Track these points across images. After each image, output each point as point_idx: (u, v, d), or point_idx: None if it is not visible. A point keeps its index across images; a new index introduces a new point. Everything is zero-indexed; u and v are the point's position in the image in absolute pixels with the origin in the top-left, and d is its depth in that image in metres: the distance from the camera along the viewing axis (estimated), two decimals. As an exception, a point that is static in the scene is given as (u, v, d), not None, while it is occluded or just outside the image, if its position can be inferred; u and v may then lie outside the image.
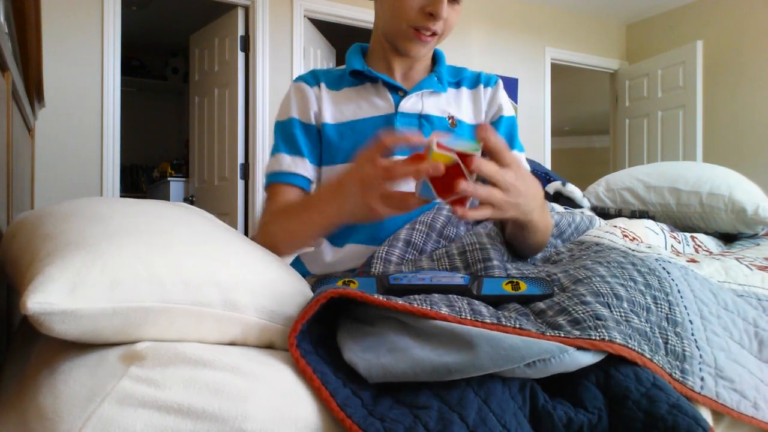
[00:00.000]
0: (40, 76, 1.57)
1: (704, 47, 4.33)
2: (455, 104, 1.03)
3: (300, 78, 1.05)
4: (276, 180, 0.98)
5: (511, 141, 1.06)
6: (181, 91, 5.64)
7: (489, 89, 1.07)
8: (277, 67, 3.53)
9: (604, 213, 1.75)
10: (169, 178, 4.49)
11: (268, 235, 0.88)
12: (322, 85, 1.03)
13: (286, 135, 1.00)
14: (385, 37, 1.00)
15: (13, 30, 1.13)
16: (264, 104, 3.49)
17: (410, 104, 0.99)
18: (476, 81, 1.07)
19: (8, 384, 0.51)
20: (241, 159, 3.52)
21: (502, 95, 1.07)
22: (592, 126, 8.04)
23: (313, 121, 1.01)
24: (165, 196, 4.47)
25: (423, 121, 0.99)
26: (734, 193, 1.48)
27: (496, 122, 1.05)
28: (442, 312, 0.55)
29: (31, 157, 1.80)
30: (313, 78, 1.04)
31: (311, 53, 3.75)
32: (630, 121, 4.87)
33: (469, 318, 0.55)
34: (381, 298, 0.55)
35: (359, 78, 1.02)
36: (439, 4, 0.89)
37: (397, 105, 0.99)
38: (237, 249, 0.59)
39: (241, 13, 3.51)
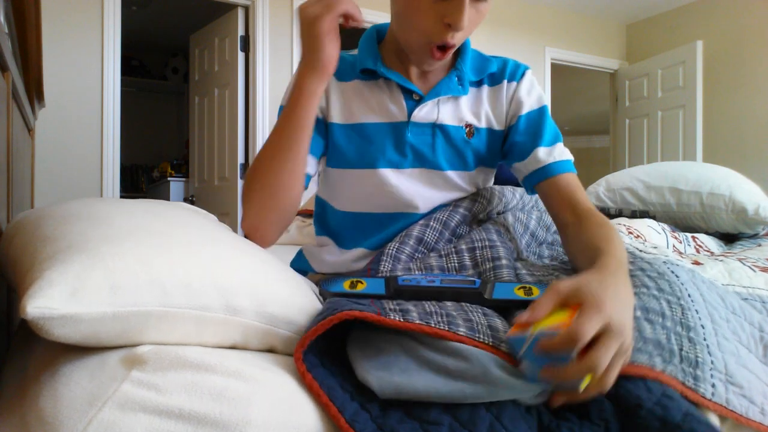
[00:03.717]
0: (40, 76, 1.56)
1: (704, 47, 4.33)
2: (474, 108, 0.93)
3: None
4: None
5: (536, 137, 0.91)
6: (181, 91, 5.63)
7: (513, 84, 0.94)
8: (277, 67, 3.53)
9: (604, 213, 1.75)
10: (169, 178, 4.49)
11: (249, 188, 0.81)
12: (332, 77, 0.91)
13: None
14: (397, 41, 0.90)
15: (13, 30, 1.13)
16: (264, 104, 3.48)
17: (425, 113, 0.89)
18: (500, 76, 0.94)
19: (8, 387, 0.51)
20: (241, 159, 3.52)
21: (525, 88, 0.94)
22: (592, 126, 8.04)
23: (319, 114, 0.92)
24: (165, 196, 4.47)
25: (437, 131, 0.90)
26: (735, 193, 1.48)
27: (514, 125, 0.93)
28: (460, 332, 0.53)
29: (31, 157, 1.79)
30: None
31: (311, 53, 3.75)
32: (630, 121, 4.86)
33: (486, 342, 0.53)
34: (397, 318, 0.54)
35: (372, 74, 0.92)
36: (459, 13, 0.76)
37: (410, 112, 0.89)
38: (238, 252, 0.59)
39: (241, 13, 3.51)
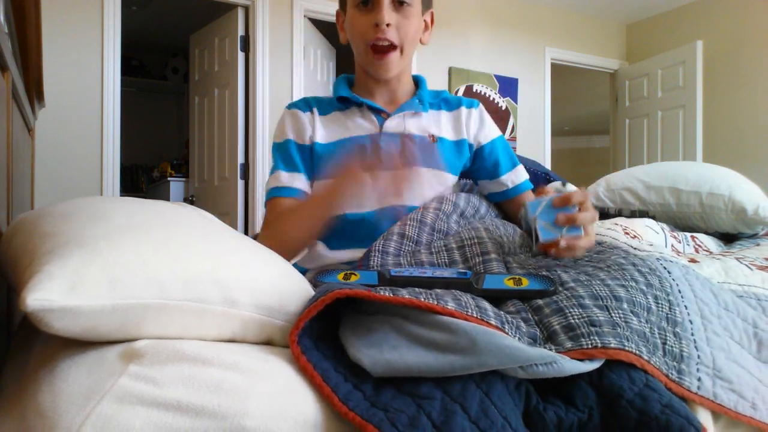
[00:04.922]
0: (40, 76, 1.57)
1: (704, 47, 4.33)
2: (435, 124, 1.10)
3: (294, 105, 1.12)
4: (275, 194, 1.05)
5: (512, 158, 1.15)
6: (181, 91, 5.64)
7: (473, 110, 1.13)
8: (277, 67, 3.53)
9: (604, 213, 1.75)
10: (169, 178, 4.49)
11: (265, 241, 0.94)
12: (315, 110, 1.10)
13: (284, 155, 1.08)
14: (360, 66, 1.08)
15: (13, 30, 1.13)
16: (264, 104, 3.49)
17: (394, 125, 1.06)
18: (457, 104, 1.14)
19: (8, 383, 0.51)
20: (241, 159, 3.52)
21: (488, 117, 1.15)
22: (592, 126, 8.04)
23: (307, 142, 1.08)
24: (165, 196, 4.47)
25: (405, 139, 1.06)
26: (734, 193, 1.48)
27: (490, 145, 1.13)
28: (449, 307, 0.55)
29: (31, 157, 1.80)
30: (305, 105, 1.11)
31: (311, 53, 3.75)
32: (630, 121, 4.86)
33: (474, 315, 0.55)
34: (387, 294, 0.56)
35: (346, 103, 1.09)
36: (379, 12, 0.97)
37: (381, 126, 1.06)
38: (236, 246, 0.59)
39: (241, 13, 3.51)
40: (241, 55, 3.53)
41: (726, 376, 0.62)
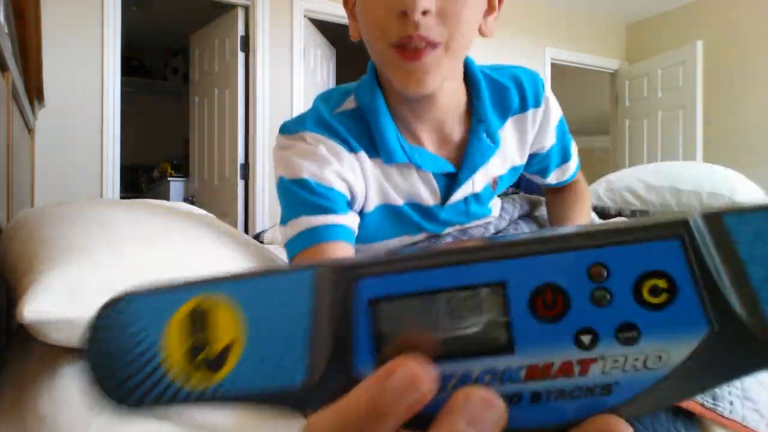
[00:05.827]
0: (40, 76, 1.57)
1: (704, 47, 4.33)
2: (501, 155, 0.80)
3: (323, 132, 0.71)
4: (309, 243, 0.65)
5: (564, 153, 0.90)
6: (181, 91, 5.64)
7: (539, 111, 0.82)
8: (277, 67, 3.53)
9: (604, 213, 1.75)
10: (169, 178, 4.49)
11: None
12: (362, 154, 0.72)
13: (312, 199, 0.68)
14: (382, 74, 0.73)
15: (13, 30, 1.13)
16: (264, 104, 3.48)
17: (460, 193, 0.78)
18: (522, 105, 0.80)
19: (8, 387, 0.51)
20: (241, 159, 3.52)
21: (554, 115, 0.85)
22: (592, 126, 8.04)
23: (359, 200, 0.73)
24: (165, 196, 4.47)
25: (470, 198, 0.80)
26: (734, 194, 1.48)
27: (546, 153, 0.88)
28: None
29: (31, 157, 1.79)
30: (338, 138, 0.71)
31: (311, 53, 3.75)
32: (630, 121, 4.86)
33: None
34: None
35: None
36: None
37: (442, 191, 0.77)
38: (236, 253, 0.59)
39: (241, 13, 3.51)
40: (241, 56, 3.52)
41: (751, 396, 0.62)
